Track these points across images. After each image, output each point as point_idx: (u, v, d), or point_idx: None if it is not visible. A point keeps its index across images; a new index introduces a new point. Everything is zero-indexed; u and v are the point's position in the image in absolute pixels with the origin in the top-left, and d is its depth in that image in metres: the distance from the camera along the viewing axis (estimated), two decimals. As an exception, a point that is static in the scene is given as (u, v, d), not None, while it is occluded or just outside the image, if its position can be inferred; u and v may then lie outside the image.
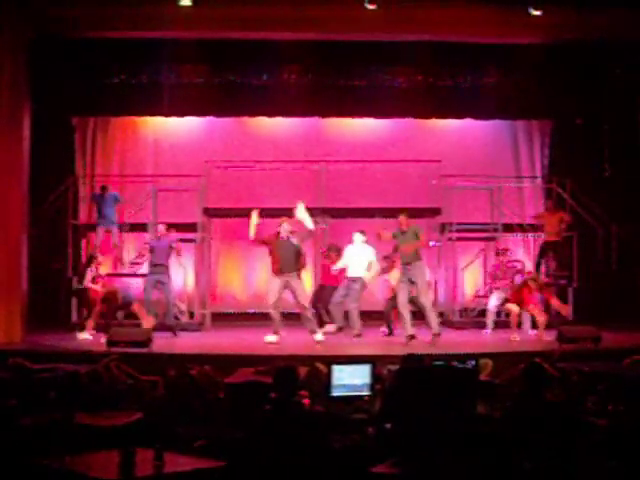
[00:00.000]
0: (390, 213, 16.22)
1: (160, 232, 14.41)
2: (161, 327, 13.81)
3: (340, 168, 16.89)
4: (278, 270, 12.94)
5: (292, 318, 13.84)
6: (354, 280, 13.91)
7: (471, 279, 17.14)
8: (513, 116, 17.28)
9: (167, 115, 16.82)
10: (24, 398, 6.83)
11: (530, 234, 16.70)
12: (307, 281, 15.38)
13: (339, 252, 14.29)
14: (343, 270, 14.07)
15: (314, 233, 13.71)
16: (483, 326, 14.81)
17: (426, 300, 12.99)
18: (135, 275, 15.81)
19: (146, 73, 16.00)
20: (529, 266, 15.79)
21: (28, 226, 13.72)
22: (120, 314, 14.86)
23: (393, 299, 13.92)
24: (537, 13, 13.12)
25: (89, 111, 16.74)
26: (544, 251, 16.02)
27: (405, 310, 12.81)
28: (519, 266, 15.52)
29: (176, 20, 13.36)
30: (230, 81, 16.09)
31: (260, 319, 15.03)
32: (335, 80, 16.20)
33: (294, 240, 13.04)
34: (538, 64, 15.80)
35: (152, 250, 14.30)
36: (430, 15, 13.35)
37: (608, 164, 16.44)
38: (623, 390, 7.17)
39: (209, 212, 16.43)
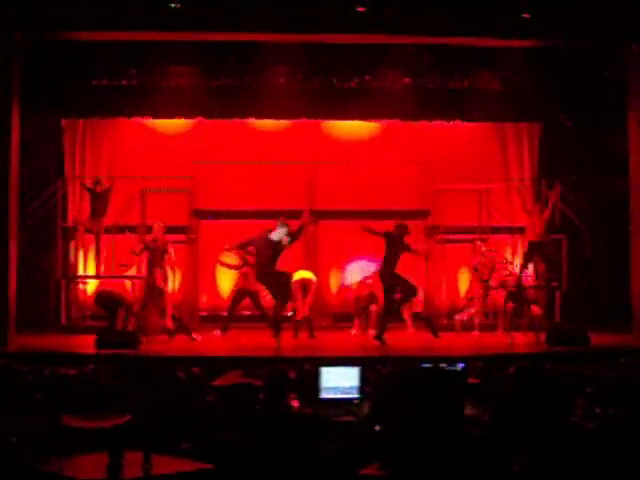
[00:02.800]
0: (379, 215, 16.33)
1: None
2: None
3: (329, 170, 16.91)
4: None
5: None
6: None
7: (460, 281, 17.15)
8: (502, 119, 17.29)
9: (156, 117, 16.79)
10: (11, 400, 6.80)
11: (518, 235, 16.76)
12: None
13: None
14: None
15: None
16: (472, 328, 14.87)
17: None
18: (125, 277, 15.76)
19: (135, 75, 15.93)
20: (516, 268, 15.83)
21: (17, 227, 13.69)
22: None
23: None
24: (525, 16, 13.14)
25: (78, 113, 16.68)
26: (530, 253, 16.02)
27: None
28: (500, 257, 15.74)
29: (165, 22, 13.33)
30: (219, 83, 16.04)
31: (249, 321, 15.08)
32: (325, 82, 16.16)
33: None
34: (527, 67, 15.82)
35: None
36: (419, 18, 13.36)
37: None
38: (612, 393, 7.18)
39: (199, 214, 16.41)
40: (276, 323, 13.15)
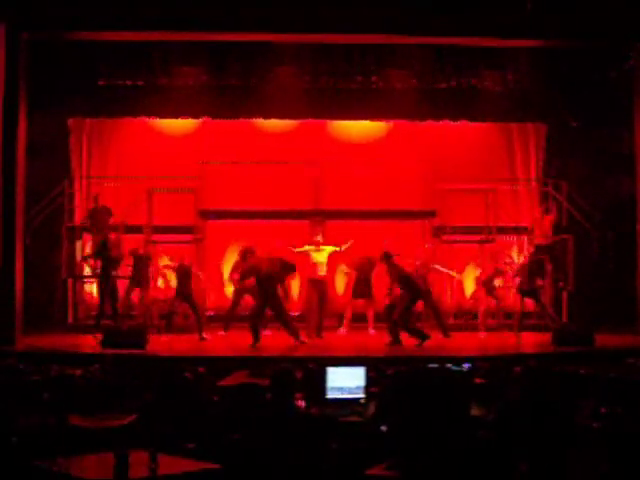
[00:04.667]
0: (385, 215, 16.33)
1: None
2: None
3: (336, 170, 16.90)
4: None
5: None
6: None
7: (467, 281, 17.12)
8: (508, 119, 17.27)
9: (162, 117, 16.79)
10: (18, 400, 6.81)
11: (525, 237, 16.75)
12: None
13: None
14: None
15: None
16: (478, 329, 14.90)
17: None
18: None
19: (142, 75, 15.92)
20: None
21: (24, 227, 13.71)
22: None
23: None
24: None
25: (85, 113, 16.69)
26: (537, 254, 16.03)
27: None
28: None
29: (171, 22, 13.35)
30: (226, 83, 16.03)
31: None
32: (331, 82, 16.15)
33: None
34: (534, 67, 15.79)
35: None
36: (425, 18, 13.35)
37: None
38: (618, 393, 7.17)
39: (205, 214, 16.42)
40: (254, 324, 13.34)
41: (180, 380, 7.37)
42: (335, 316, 16.22)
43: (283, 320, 13.31)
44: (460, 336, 14.34)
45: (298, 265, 14.00)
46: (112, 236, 15.26)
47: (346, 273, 15.78)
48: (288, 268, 13.41)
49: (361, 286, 15.17)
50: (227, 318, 14.81)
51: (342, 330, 15.12)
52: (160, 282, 15.97)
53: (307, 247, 14.78)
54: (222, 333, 14.50)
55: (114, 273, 15.15)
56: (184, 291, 14.25)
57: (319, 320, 14.45)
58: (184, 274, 14.32)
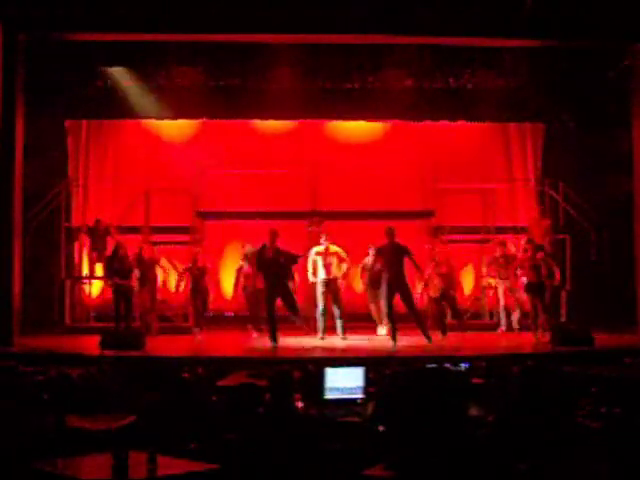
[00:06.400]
0: (383, 216, 16.31)
1: None
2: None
3: (334, 171, 16.88)
4: None
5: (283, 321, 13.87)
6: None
7: (464, 281, 17.12)
8: (506, 119, 17.26)
9: (160, 118, 16.77)
10: (16, 401, 6.80)
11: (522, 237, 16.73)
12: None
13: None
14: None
15: None
16: (477, 328, 14.89)
17: None
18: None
19: (140, 76, 15.92)
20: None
21: (21, 229, 13.71)
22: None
23: None
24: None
25: (82, 114, 16.66)
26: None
27: None
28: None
29: (168, 22, 13.34)
30: (223, 84, 16.02)
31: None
32: (328, 83, 16.13)
33: None
34: (531, 67, 15.79)
35: None
36: (423, 18, 13.35)
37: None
38: (618, 393, 7.16)
39: (203, 215, 16.41)
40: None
41: (179, 380, 7.37)
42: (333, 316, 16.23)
43: (293, 310, 13.43)
44: (458, 336, 14.33)
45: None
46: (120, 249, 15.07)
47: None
48: (291, 259, 13.48)
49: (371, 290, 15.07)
50: (255, 319, 14.84)
51: (381, 330, 14.99)
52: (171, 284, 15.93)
53: (314, 249, 14.71)
54: (256, 335, 14.52)
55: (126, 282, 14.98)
56: (199, 290, 14.36)
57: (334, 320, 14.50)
58: (199, 274, 14.40)
